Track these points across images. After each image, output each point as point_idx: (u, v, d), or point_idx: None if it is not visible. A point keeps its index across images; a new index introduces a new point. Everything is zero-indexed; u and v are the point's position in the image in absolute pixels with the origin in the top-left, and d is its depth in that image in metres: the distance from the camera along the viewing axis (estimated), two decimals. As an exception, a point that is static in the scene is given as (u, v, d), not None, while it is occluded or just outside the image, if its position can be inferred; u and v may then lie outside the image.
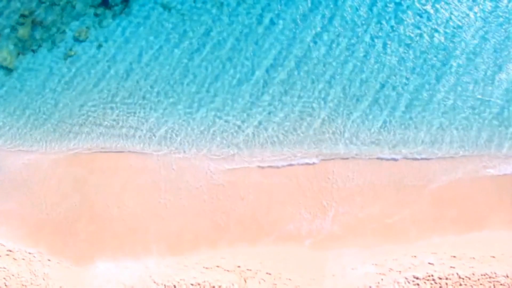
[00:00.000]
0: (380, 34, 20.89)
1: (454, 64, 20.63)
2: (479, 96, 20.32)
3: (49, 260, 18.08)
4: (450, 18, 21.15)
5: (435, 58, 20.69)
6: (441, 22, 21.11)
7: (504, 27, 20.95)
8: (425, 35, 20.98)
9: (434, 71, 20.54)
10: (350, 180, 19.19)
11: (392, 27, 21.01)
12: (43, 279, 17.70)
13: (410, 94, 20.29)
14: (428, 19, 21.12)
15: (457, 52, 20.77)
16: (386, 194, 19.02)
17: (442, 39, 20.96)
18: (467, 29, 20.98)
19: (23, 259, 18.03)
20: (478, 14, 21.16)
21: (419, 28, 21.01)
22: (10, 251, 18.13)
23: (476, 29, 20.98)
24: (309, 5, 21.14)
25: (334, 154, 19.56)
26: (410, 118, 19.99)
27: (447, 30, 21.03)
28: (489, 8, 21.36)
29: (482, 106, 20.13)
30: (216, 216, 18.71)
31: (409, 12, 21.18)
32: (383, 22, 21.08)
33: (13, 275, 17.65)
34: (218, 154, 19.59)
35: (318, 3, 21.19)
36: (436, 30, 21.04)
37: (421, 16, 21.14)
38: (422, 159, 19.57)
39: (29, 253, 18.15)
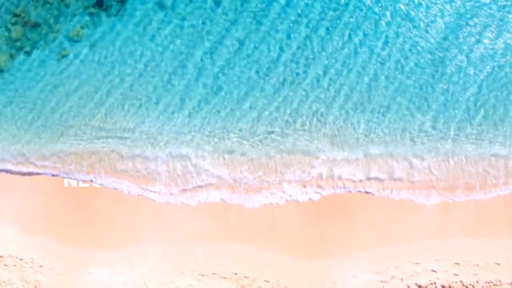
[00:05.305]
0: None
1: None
2: None
3: (41, 266, 17.71)
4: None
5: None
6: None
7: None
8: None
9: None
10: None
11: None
12: (35, 286, 17.40)
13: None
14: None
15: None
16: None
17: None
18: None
19: (14, 265, 17.68)
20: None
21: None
22: (1, 256, 17.75)
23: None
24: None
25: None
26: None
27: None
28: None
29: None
30: (215, 219, 18.46)
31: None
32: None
33: (3, 282, 17.33)
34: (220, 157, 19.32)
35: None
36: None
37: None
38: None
39: (21, 259, 17.80)
